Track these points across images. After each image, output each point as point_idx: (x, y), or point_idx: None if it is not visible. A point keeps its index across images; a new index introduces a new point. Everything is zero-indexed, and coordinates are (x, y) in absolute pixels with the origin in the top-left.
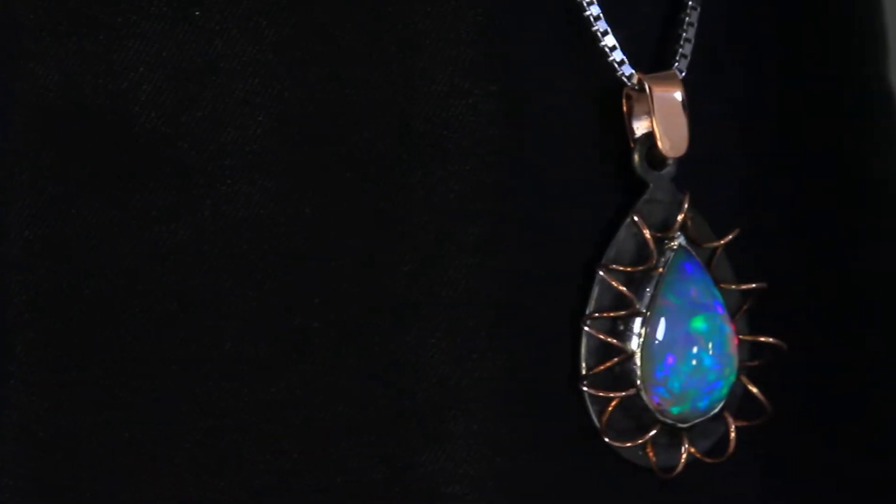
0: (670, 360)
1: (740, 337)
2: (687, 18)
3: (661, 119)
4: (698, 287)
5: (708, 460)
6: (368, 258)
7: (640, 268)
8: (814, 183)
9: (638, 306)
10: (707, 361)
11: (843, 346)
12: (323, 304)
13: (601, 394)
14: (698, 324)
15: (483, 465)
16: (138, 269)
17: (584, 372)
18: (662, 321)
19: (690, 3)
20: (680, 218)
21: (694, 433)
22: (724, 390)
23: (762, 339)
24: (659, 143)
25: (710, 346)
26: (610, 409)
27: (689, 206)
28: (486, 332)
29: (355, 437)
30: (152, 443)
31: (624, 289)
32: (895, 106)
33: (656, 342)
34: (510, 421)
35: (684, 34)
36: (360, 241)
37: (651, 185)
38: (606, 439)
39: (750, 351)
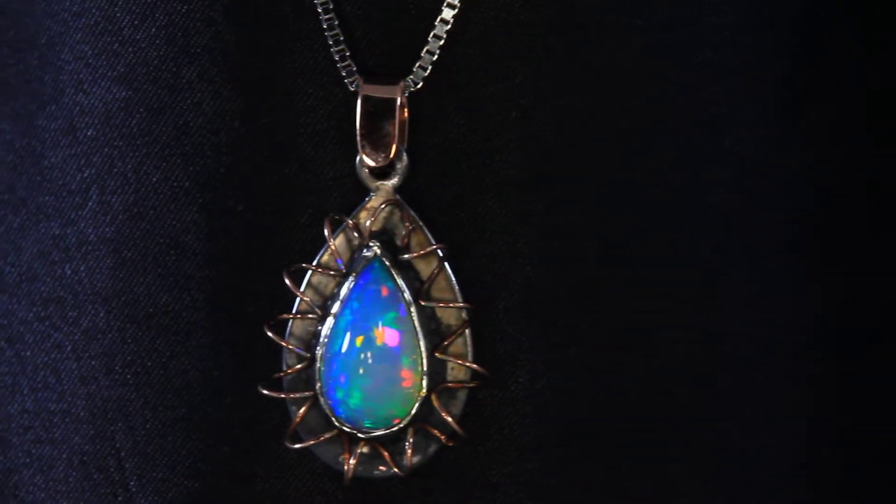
0: (339, 369)
1: (438, 355)
2: (434, 31)
3: (364, 127)
4: (381, 300)
5: (398, 472)
6: None
7: (333, 273)
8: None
9: (325, 312)
10: (371, 375)
11: None
12: None
13: (281, 395)
14: (368, 336)
15: None
16: None
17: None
18: (339, 329)
19: (442, 17)
20: (369, 224)
21: (400, 447)
22: (394, 405)
23: (466, 363)
24: (360, 151)
25: (372, 358)
26: (302, 411)
27: (408, 217)
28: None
29: None
30: None
31: (305, 295)
32: None
33: (330, 349)
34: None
35: (427, 47)
36: None
37: (371, 193)
38: (286, 442)
39: (470, 373)
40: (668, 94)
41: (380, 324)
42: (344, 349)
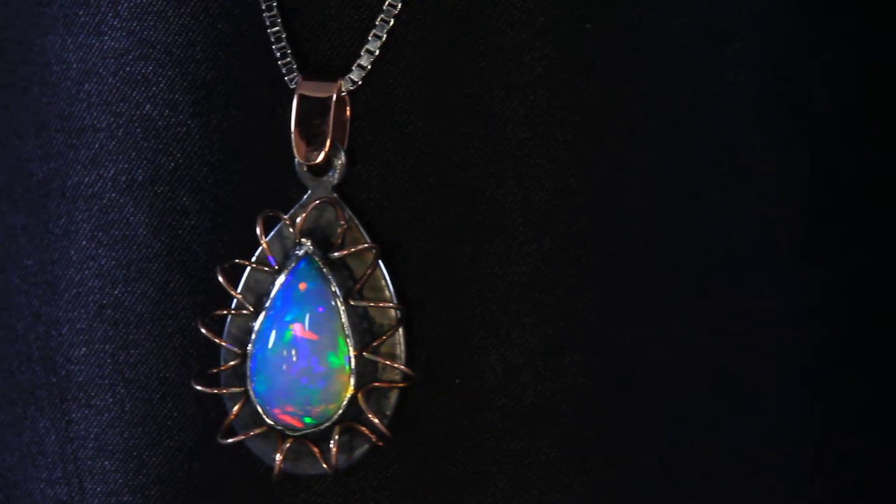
0: (259, 365)
1: (367, 355)
2: (374, 31)
3: (299, 124)
4: (300, 297)
5: (329, 471)
6: None
7: (267, 270)
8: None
9: (258, 309)
10: (289, 372)
11: None
12: None
13: (214, 391)
14: (285, 333)
15: None
16: None
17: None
18: (264, 326)
19: (383, 16)
20: (299, 221)
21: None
22: (316, 403)
23: (394, 363)
24: (293, 148)
25: (290, 356)
26: (236, 408)
27: (343, 215)
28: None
29: None
30: None
31: (235, 291)
32: None
33: (257, 345)
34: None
35: (367, 45)
36: None
37: (309, 190)
38: (219, 437)
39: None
40: (622, 98)
41: (298, 321)
42: (267, 346)
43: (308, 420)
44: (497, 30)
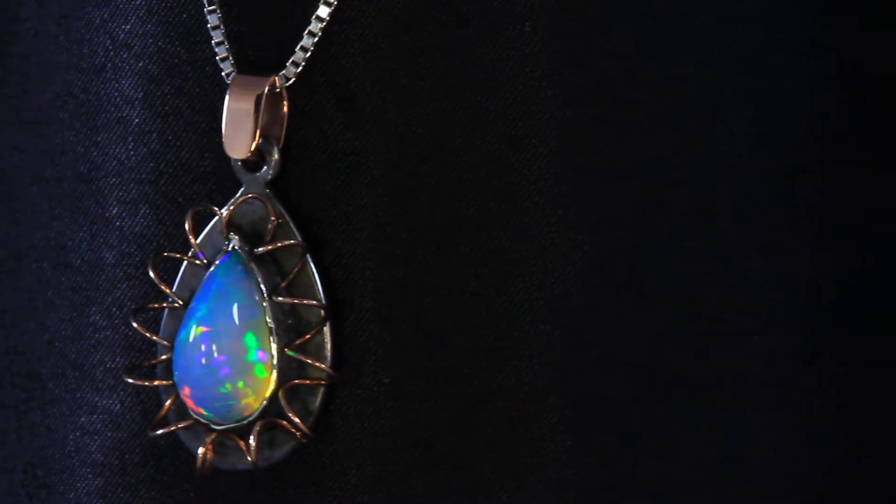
0: (183, 358)
1: (288, 352)
2: (310, 27)
3: (229, 119)
4: (227, 292)
5: (250, 465)
6: None
7: (198, 264)
8: None
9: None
10: (211, 367)
11: None
12: None
13: (144, 383)
14: (201, 328)
15: None
16: None
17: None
18: (185, 320)
19: (318, 14)
20: (225, 215)
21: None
22: (235, 399)
23: (315, 362)
24: (224, 143)
25: (217, 350)
26: (168, 403)
27: (273, 211)
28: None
29: None
30: None
31: (162, 284)
32: None
33: (178, 339)
34: None
35: (301, 42)
36: None
37: (244, 185)
38: (148, 429)
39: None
40: (566, 99)
41: (213, 315)
42: (185, 339)
43: (219, 415)
44: (437, 30)
